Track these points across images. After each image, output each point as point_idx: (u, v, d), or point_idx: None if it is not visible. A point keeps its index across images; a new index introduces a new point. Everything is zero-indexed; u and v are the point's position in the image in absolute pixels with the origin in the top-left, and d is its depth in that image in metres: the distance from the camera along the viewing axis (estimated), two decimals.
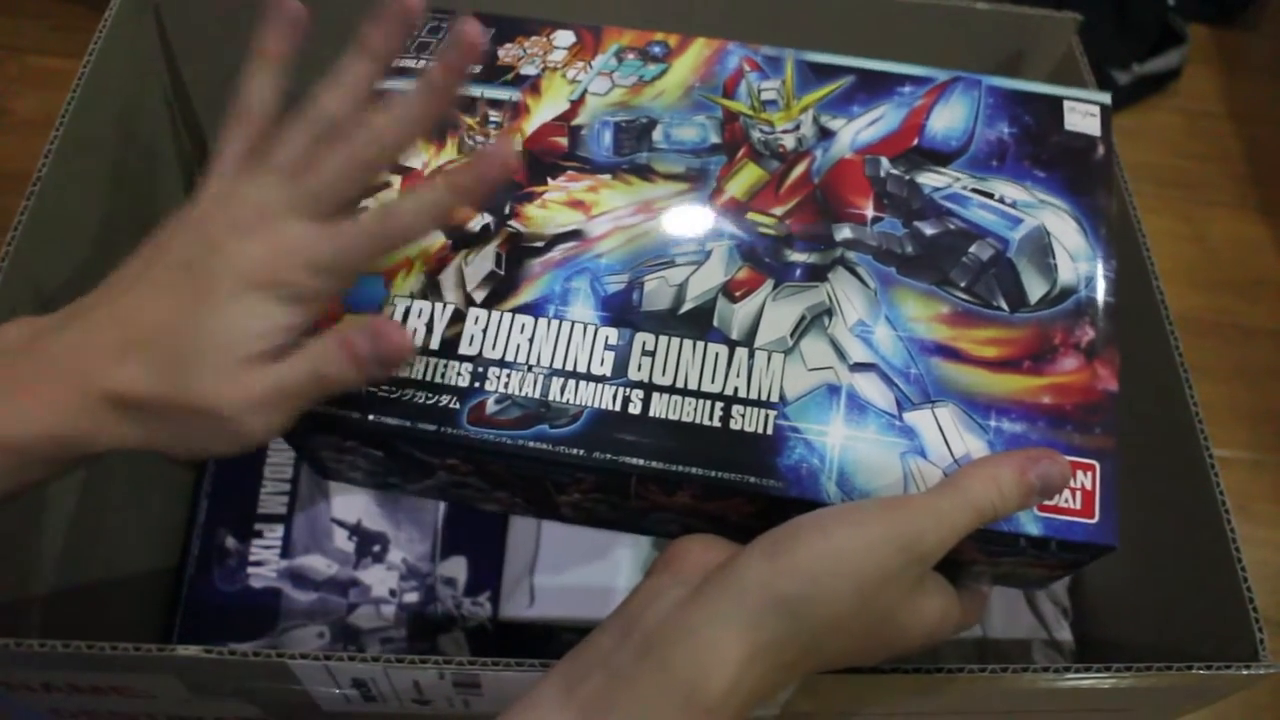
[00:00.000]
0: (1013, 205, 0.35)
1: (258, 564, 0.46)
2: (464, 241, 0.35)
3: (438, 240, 0.35)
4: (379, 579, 0.46)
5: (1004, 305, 0.34)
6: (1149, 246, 0.42)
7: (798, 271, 0.34)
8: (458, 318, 0.33)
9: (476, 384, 0.33)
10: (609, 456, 0.31)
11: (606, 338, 0.33)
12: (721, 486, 0.31)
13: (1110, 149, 0.37)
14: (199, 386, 0.27)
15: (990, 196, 0.35)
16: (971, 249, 0.34)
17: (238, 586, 0.46)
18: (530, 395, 0.32)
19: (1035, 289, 0.34)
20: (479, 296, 0.34)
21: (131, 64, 0.46)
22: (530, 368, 0.33)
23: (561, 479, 0.33)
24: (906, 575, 0.28)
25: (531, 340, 0.33)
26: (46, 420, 0.27)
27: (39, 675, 0.33)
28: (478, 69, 0.37)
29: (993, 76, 0.38)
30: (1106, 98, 0.38)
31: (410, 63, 0.39)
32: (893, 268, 0.34)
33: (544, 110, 0.38)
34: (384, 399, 0.32)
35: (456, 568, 0.47)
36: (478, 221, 0.35)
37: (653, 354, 0.33)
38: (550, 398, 0.32)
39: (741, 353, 0.33)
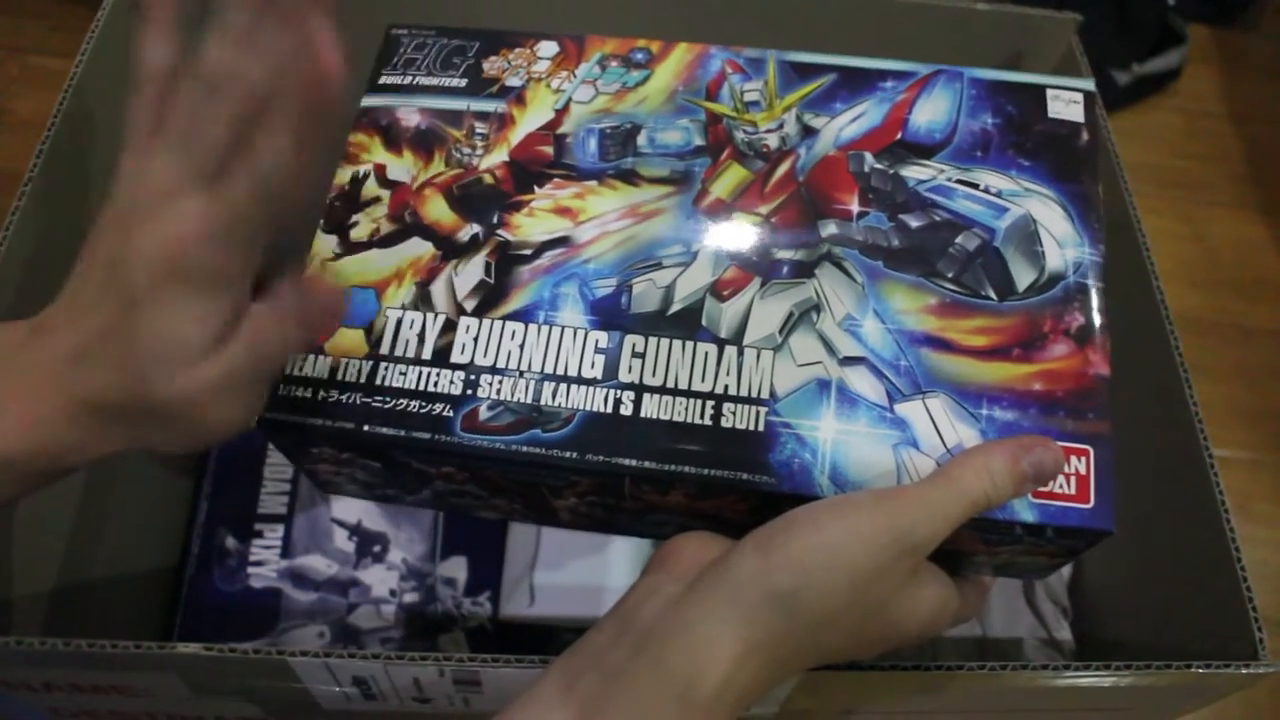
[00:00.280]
0: (998, 194, 0.35)
1: (258, 564, 0.47)
2: (453, 252, 0.35)
3: (427, 251, 0.35)
4: (379, 579, 0.47)
5: (992, 294, 0.34)
6: (1149, 246, 0.42)
7: (785, 269, 0.34)
8: (449, 327, 0.34)
9: (469, 391, 0.33)
10: (602, 458, 0.32)
11: (596, 341, 0.33)
12: (715, 485, 0.31)
13: (1096, 134, 0.37)
14: (154, 387, 0.27)
15: (975, 187, 0.36)
16: (958, 239, 0.35)
17: (238, 586, 0.46)
18: (522, 400, 0.33)
19: (1023, 277, 0.34)
20: (469, 305, 0.34)
21: (124, 64, 0.46)
22: (522, 373, 0.33)
23: (556, 483, 0.34)
24: (900, 567, 0.28)
25: (522, 346, 0.33)
26: (30, 434, 0.28)
27: (40, 674, 0.33)
28: None
29: (975, 68, 0.38)
30: (1090, 84, 0.38)
31: (396, 79, 0.39)
32: (880, 261, 0.34)
33: (529, 120, 0.38)
34: (378, 409, 0.33)
35: (456, 568, 0.47)
36: (466, 231, 0.36)
37: (643, 355, 0.33)
38: (542, 402, 0.32)
39: (731, 351, 0.33)
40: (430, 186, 0.37)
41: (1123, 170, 0.43)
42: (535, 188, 0.36)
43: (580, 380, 0.33)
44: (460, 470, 0.34)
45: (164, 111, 0.28)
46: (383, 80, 0.40)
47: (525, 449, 0.32)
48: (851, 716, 0.36)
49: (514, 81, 0.39)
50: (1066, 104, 0.37)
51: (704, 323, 0.33)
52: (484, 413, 0.33)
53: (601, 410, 0.32)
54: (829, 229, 0.35)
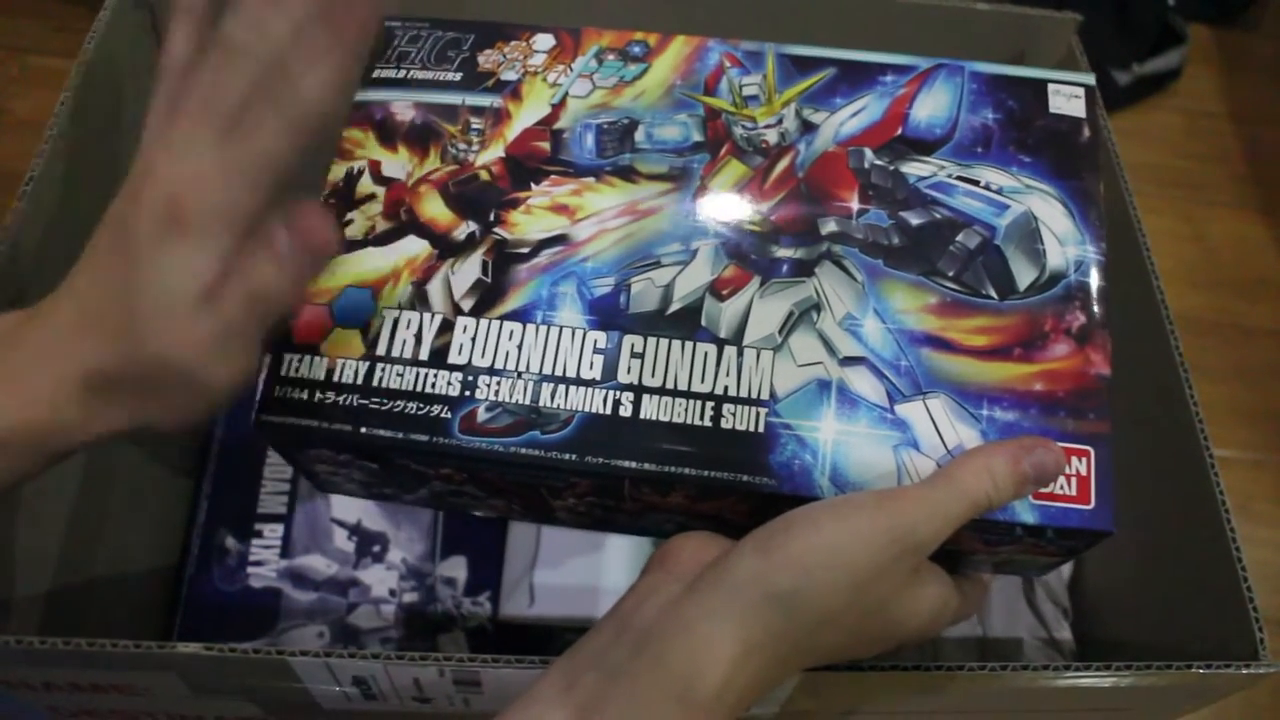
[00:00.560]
0: (999, 191, 0.35)
1: (258, 564, 0.47)
2: (450, 250, 0.35)
3: (424, 250, 0.35)
4: (379, 579, 0.46)
5: (993, 293, 0.33)
6: (1149, 246, 0.41)
7: (784, 267, 0.34)
8: (446, 327, 0.34)
9: (467, 393, 0.33)
10: (601, 460, 0.32)
11: (595, 341, 0.33)
12: (715, 486, 0.31)
13: (1097, 130, 0.36)
14: (152, 346, 0.27)
15: (976, 184, 0.35)
16: (959, 238, 0.34)
17: (238, 586, 0.46)
18: (521, 402, 0.32)
19: (1024, 275, 0.34)
20: (466, 305, 0.34)
21: (125, 63, 0.46)
22: (520, 374, 0.33)
23: (555, 484, 0.33)
24: (900, 567, 0.28)
25: (520, 347, 0.33)
26: (28, 412, 0.27)
27: (39, 673, 0.33)
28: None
29: (975, 62, 0.38)
30: (1091, 78, 0.38)
31: (390, 73, 0.39)
32: (880, 260, 0.34)
33: (526, 115, 0.38)
34: (375, 411, 0.33)
35: (456, 567, 0.47)
36: (463, 230, 0.35)
37: (641, 356, 0.33)
38: (541, 403, 0.32)
39: (730, 351, 0.33)
40: (426, 183, 0.36)
41: (1123, 170, 0.43)
42: (532, 184, 0.36)
43: (579, 381, 0.32)
44: (458, 471, 0.34)
45: (183, 87, 0.28)
46: (376, 74, 0.39)
47: (524, 451, 0.32)
48: (852, 717, 0.37)
49: (510, 75, 0.38)
50: (1068, 99, 0.37)
51: (703, 322, 0.33)
52: (482, 414, 0.32)
53: (600, 411, 0.32)
54: (829, 226, 0.35)
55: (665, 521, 0.35)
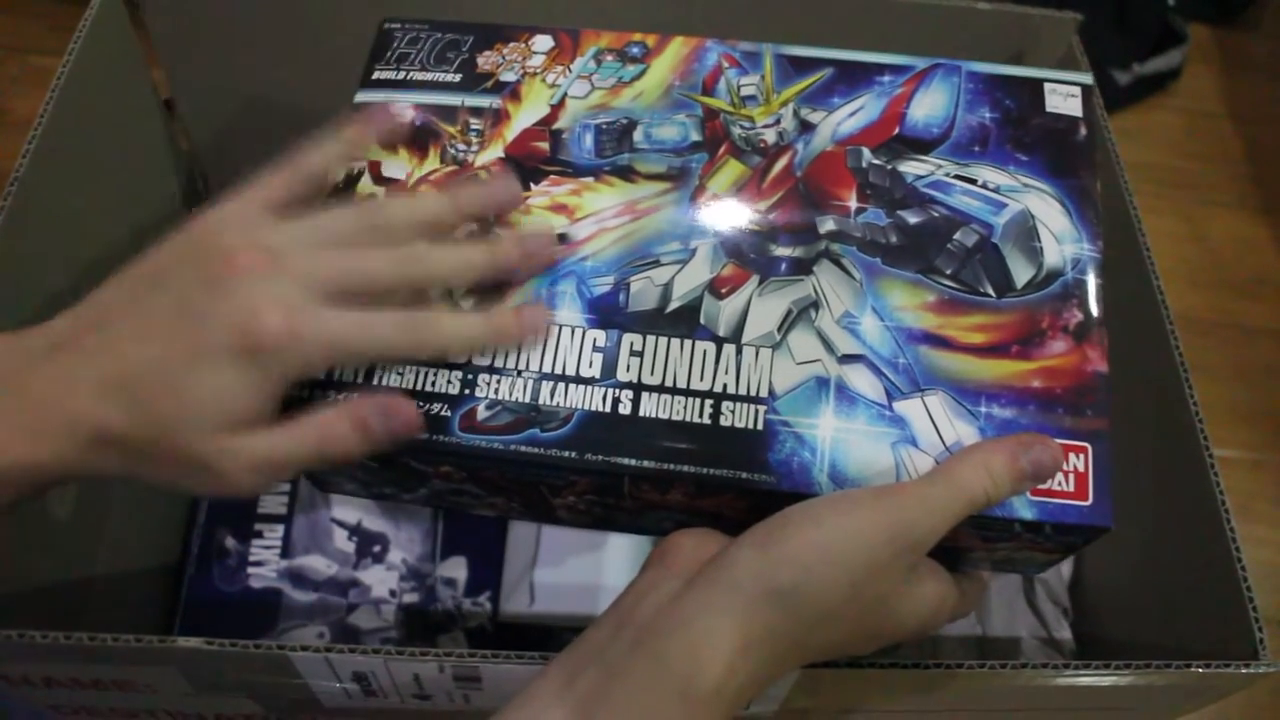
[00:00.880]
0: (996, 190, 0.35)
1: (258, 564, 0.47)
2: None
3: None
4: (379, 579, 0.46)
5: (990, 291, 0.33)
6: (1149, 246, 0.42)
7: (783, 266, 0.34)
8: None
9: (466, 391, 0.33)
10: (601, 458, 0.32)
11: (594, 340, 0.33)
12: (714, 483, 0.31)
13: (1094, 129, 0.37)
14: (185, 441, 0.27)
15: (973, 182, 0.35)
16: (956, 236, 0.34)
17: (238, 586, 0.46)
18: (520, 400, 0.32)
19: (1021, 273, 0.34)
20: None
21: (113, 61, 0.46)
22: (519, 373, 0.33)
23: (555, 482, 0.33)
24: (899, 563, 0.28)
25: (520, 345, 0.33)
26: (30, 451, 0.27)
27: (41, 668, 0.33)
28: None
29: (972, 62, 0.38)
30: (1088, 78, 0.38)
31: (390, 74, 0.39)
32: (878, 258, 0.34)
33: (525, 116, 0.38)
34: None
35: (456, 568, 0.47)
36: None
37: (641, 354, 0.33)
38: (540, 401, 0.32)
39: (729, 349, 0.33)
40: (426, 184, 0.37)
41: (1123, 170, 0.43)
42: (531, 184, 0.36)
43: (578, 379, 0.33)
44: (458, 470, 0.34)
45: (299, 203, 0.29)
46: (376, 75, 0.39)
47: (523, 449, 0.32)
48: (851, 715, 0.37)
49: (509, 76, 0.39)
50: (1064, 98, 0.37)
51: (702, 321, 0.33)
52: (482, 412, 0.32)
53: (600, 409, 0.32)
54: (827, 225, 0.35)
55: (665, 519, 0.35)
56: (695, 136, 0.37)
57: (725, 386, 0.32)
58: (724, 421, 0.32)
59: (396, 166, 0.37)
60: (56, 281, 0.40)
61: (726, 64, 0.38)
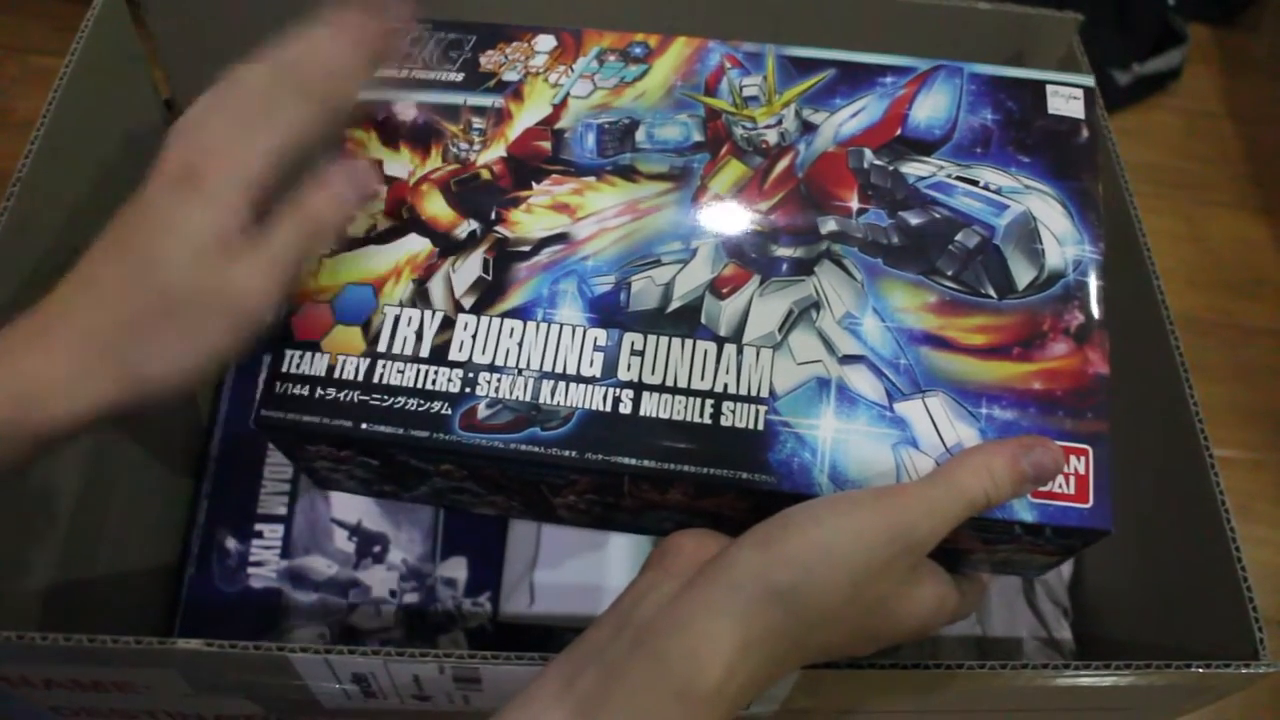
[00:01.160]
0: (998, 192, 0.35)
1: (258, 564, 0.46)
2: (451, 248, 0.35)
3: (425, 248, 0.35)
4: (379, 579, 0.46)
5: (992, 292, 0.33)
6: (1149, 246, 0.41)
7: (784, 266, 0.34)
8: (447, 324, 0.34)
9: (467, 389, 0.33)
10: (601, 457, 0.32)
11: (595, 339, 0.33)
12: (714, 483, 0.31)
13: (1096, 131, 0.37)
14: (179, 278, 0.28)
15: (975, 184, 0.35)
16: (958, 237, 0.34)
17: (238, 587, 0.46)
18: (521, 399, 0.32)
19: (1023, 275, 0.34)
20: (467, 303, 0.34)
21: (115, 62, 0.46)
22: (520, 371, 0.33)
23: (555, 481, 0.33)
24: (899, 564, 0.28)
25: (520, 344, 0.33)
26: (68, 391, 0.28)
27: (40, 670, 0.33)
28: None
29: (974, 64, 0.38)
30: (1090, 80, 0.38)
31: (392, 73, 0.39)
32: (879, 259, 0.34)
33: (527, 115, 0.38)
34: (376, 408, 0.33)
35: (456, 568, 0.47)
36: (464, 228, 0.36)
37: (641, 353, 0.33)
38: (541, 400, 0.32)
39: (730, 349, 0.33)
40: (427, 182, 0.37)
41: (1123, 170, 0.43)
42: (533, 183, 0.36)
43: (579, 378, 0.33)
44: (459, 468, 0.34)
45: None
46: (379, 74, 0.39)
47: (524, 447, 0.32)
48: (851, 715, 0.37)
49: (511, 76, 0.39)
50: (1066, 100, 0.37)
51: (703, 320, 0.33)
52: (482, 411, 0.32)
53: (600, 409, 0.32)
54: (828, 226, 0.35)
55: (665, 519, 0.35)
56: (697, 137, 0.37)
57: (726, 386, 0.32)
58: (725, 421, 0.32)
59: (399, 165, 0.37)
60: (58, 282, 0.40)
61: (729, 64, 0.38)
